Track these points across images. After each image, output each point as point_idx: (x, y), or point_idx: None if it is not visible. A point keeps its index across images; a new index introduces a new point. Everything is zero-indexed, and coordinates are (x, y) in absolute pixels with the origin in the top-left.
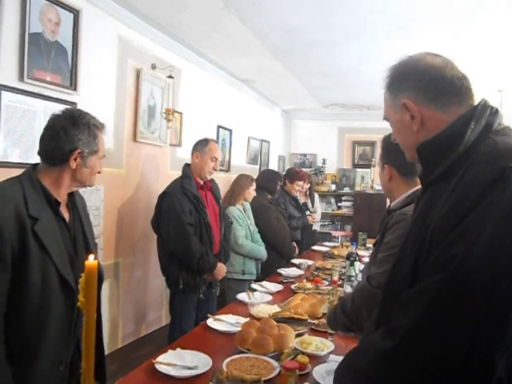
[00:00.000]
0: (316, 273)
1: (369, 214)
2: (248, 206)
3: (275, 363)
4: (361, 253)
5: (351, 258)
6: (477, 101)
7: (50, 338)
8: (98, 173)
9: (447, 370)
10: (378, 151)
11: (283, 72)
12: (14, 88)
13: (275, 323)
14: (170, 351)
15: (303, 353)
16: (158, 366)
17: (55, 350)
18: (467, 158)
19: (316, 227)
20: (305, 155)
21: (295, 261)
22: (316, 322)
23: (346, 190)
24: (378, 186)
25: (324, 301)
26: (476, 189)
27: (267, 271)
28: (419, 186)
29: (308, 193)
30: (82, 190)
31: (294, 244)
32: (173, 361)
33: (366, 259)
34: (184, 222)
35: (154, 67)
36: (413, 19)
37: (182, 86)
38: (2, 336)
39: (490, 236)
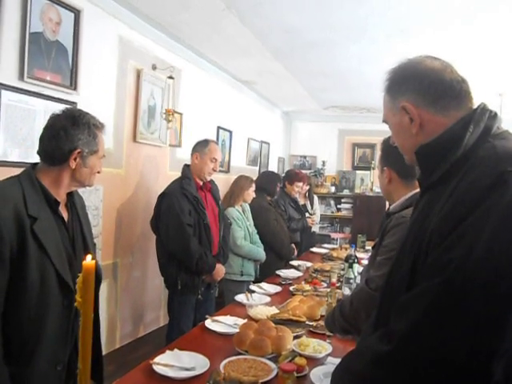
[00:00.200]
0: (314, 275)
1: (368, 216)
2: (247, 208)
3: (273, 365)
4: (360, 255)
5: (350, 261)
6: (476, 104)
7: (47, 338)
8: (98, 173)
9: (445, 373)
10: (378, 154)
11: (284, 73)
12: (14, 87)
13: (273, 325)
14: (167, 352)
15: (301, 355)
16: (155, 367)
17: (53, 350)
18: (466, 161)
19: (315, 229)
20: (305, 157)
21: (294, 262)
22: (314, 324)
23: (346, 192)
24: (377, 189)
25: (322, 303)
26: (474, 192)
27: (266, 273)
28: (418, 189)
29: (307, 194)
30: (81, 190)
31: (293, 246)
32: (170, 362)
33: (365, 261)
34: (183, 222)
35: (154, 68)
36: (414, 22)
37: (182, 87)
38: (0, 336)
39: (489, 239)
